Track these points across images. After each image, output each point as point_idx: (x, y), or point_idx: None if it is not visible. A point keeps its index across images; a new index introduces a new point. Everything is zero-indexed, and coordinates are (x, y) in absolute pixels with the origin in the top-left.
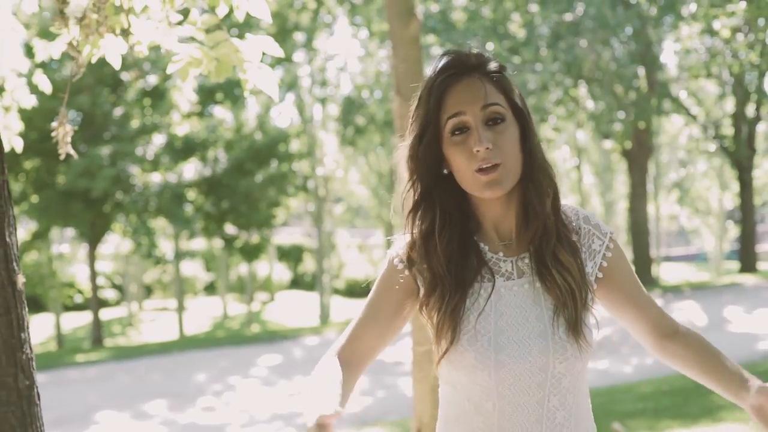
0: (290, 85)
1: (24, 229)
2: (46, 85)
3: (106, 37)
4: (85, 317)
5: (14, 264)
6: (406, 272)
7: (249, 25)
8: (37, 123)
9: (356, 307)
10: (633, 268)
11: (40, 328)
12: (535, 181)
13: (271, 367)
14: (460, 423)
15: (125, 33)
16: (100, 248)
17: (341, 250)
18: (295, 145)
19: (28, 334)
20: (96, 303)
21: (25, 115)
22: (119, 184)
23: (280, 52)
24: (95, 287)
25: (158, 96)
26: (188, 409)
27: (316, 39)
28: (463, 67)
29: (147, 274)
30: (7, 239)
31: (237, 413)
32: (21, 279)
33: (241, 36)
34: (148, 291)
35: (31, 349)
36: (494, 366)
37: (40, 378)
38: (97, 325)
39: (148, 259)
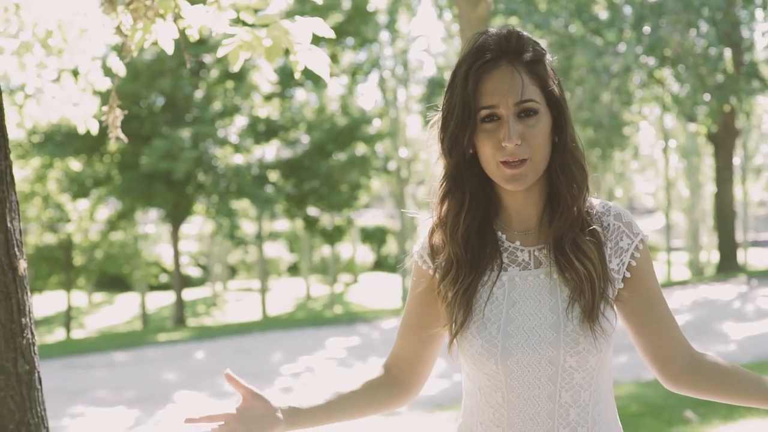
0: (372, 65)
1: (110, 209)
2: (120, 68)
3: (158, 22)
4: (170, 297)
5: (15, 249)
6: (430, 271)
7: (326, 8)
8: (121, 105)
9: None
10: (659, 283)
11: (125, 308)
12: (566, 172)
13: (349, 348)
14: (474, 414)
15: (176, 17)
16: (184, 229)
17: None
18: (377, 126)
19: (30, 319)
20: (179, 283)
21: (107, 97)
22: (201, 165)
23: (330, 33)
24: (178, 268)
25: (239, 78)
26: (266, 389)
27: (399, 20)
28: (500, 52)
29: (231, 254)
30: (9, 224)
31: (314, 394)
32: (23, 264)
33: (320, 18)
34: (233, 271)
35: (33, 333)
36: (501, 354)
37: (123, 357)
38: (180, 305)
39: (230, 240)
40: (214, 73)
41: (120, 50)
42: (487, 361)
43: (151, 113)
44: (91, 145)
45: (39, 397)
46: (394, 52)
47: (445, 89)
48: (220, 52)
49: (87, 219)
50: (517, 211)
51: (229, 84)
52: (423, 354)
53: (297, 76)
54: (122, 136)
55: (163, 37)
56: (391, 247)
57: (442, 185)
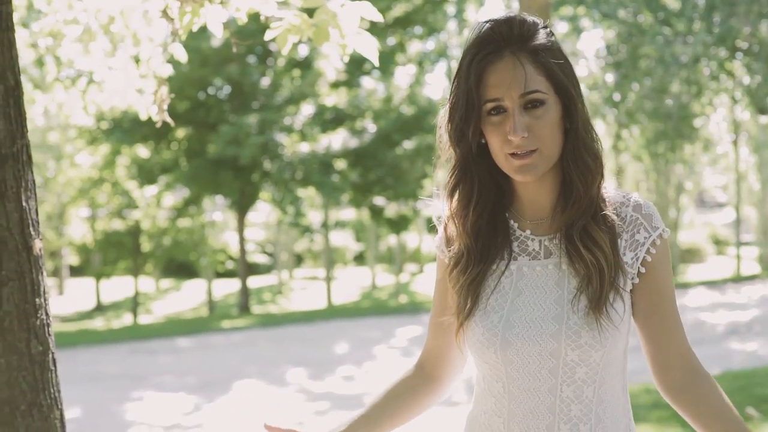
0: (439, 54)
1: (177, 197)
2: (181, 55)
3: (206, 5)
4: (236, 284)
5: (31, 229)
6: (446, 260)
7: None
8: (187, 92)
9: None
10: (673, 289)
11: (192, 294)
12: (578, 161)
13: (413, 338)
14: (480, 402)
15: (223, 0)
16: (251, 216)
17: None
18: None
19: (45, 299)
20: (244, 271)
21: (175, 83)
22: (267, 152)
23: (378, 17)
24: (244, 255)
25: (306, 66)
26: (327, 378)
27: (467, 10)
28: (503, 42)
29: (298, 243)
30: (24, 204)
31: (375, 383)
32: (38, 244)
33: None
34: (299, 260)
35: (47, 314)
36: (500, 344)
37: (187, 343)
38: (245, 293)
39: (295, 228)
40: (282, 61)
41: (171, 35)
42: (487, 350)
43: (218, 101)
44: (158, 132)
45: (53, 378)
46: (461, 42)
47: (452, 79)
48: (268, 36)
49: (154, 206)
50: (530, 200)
51: (296, 72)
52: (450, 345)
53: (345, 59)
54: (168, 119)
55: (212, 20)
56: None
57: (451, 176)
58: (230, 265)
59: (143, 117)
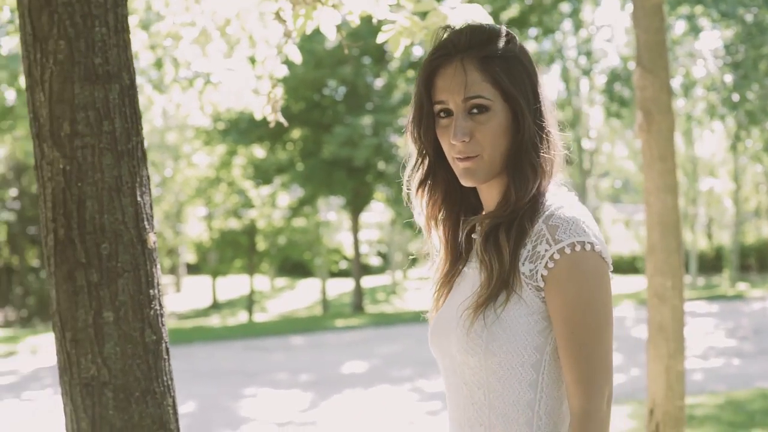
0: (554, 56)
1: (292, 197)
2: (296, 56)
3: (318, 8)
4: (350, 284)
5: (145, 223)
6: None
7: None
8: (303, 93)
9: (621, 284)
10: (588, 316)
11: (306, 293)
12: (517, 171)
13: None
14: None
15: (336, 3)
16: (365, 217)
17: (606, 225)
18: (559, 117)
19: (159, 291)
20: (358, 270)
21: (291, 84)
22: (380, 153)
23: (488, 19)
24: (358, 255)
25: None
26: (437, 378)
27: (583, 10)
28: (453, 48)
29: (412, 243)
30: (139, 199)
31: None
32: (152, 238)
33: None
34: (414, 260)
35: (161, 305)
36: (429, 340)
37: (301, 341)
38: (359, 292)
39: (410, 229)
40: (396, 62)
41: (283, 37)
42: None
43: (332, 102)
44: (273, 133)
45: (165, 367)
46: (577, 42)
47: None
48: (380, 38)
49: (269, 205)
50: (486, 203)
51: (410, 73)
52: None
53: None
54: (282, 119)
55: (325, 22)
56: None
57: (415, 176)
58: (344, 265)
59: (258, 117)
